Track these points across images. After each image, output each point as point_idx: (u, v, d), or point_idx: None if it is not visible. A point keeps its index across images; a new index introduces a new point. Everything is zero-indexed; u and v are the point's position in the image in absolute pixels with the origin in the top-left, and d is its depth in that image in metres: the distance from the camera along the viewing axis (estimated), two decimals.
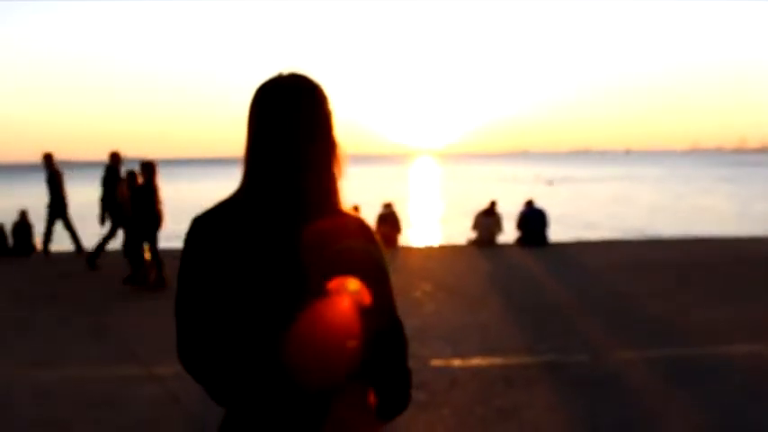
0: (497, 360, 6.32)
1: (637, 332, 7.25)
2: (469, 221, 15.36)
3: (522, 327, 7.59)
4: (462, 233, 15.83)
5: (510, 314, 8.19)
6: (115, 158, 12.02)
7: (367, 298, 1.77)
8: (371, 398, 1.99)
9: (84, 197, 18.08)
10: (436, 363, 6.25)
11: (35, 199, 15.87)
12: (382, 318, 1.82)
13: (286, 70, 1.83)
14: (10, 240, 14.61)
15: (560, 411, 5.10)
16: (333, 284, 1.75)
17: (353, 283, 1.76)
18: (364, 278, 1.77)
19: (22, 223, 14.76)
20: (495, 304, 8.73)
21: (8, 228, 14.77)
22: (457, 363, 6.26)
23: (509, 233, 15.14)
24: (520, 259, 12.73)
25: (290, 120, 1.78)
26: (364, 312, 1.74)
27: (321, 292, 1.72)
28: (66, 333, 7.52)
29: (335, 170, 1.83)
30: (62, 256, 13.95)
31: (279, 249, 1.75)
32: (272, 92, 1.81)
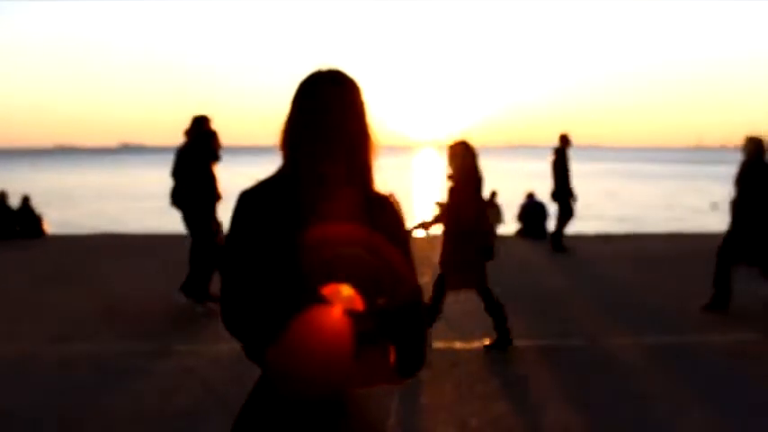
0: None
1: (632, 320, 7.54)
2: None
3: (521, 313, 7.85)
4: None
5: (510, 301, 8.38)
6: None
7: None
8: (391, 356, 2.25)
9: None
10: (439, 345, 6.53)
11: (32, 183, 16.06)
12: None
13: (324, 66, 2.09)
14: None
15: (556, 390, 5.41)
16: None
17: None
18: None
19: (24, 208, 14.96)
20: (495, 292, 8.99)
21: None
22: (458, 345, 6.56)
23: (509, 225, 15.42)
24: (520, 250, 13.02)
25: (328, 108, 2.04)
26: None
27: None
28: (81, 311, 7.82)
29: (370, 155, 2.09)
30: (67, 238, 14.24)
31: (312, 226, 1.92)
32: (313, 84, 2.05)
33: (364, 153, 2.07)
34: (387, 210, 2.12)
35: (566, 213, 12.47)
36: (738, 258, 7.78)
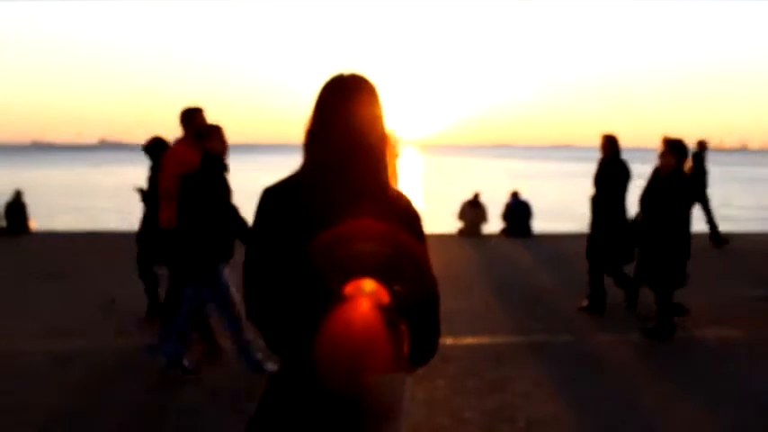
0: (487, 339, 6.75)
1: (618, 317, 7.71)
2: (450, 212, 15.68)
3: (509, 310, 8.02)
4: (444, 224, 16.14)
5: (497, 299, 8.62)
6: None
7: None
8: (405, 346, 2.33)
9: None
10: None
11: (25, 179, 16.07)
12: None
13: (346, 71, 2.19)
14: (2, 221, 14.79)
15: (546, 384, 5.54)
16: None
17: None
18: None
19: (16, 203, 14.94)
20: (482, 290, 9.14)
21: (0, 207, 15.00)
22: (449, 341, 6.66)
23: (494, 224, 15.55)
24: (505, 248, 13.17)
25: (349, 112, 2.14)
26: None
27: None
28: (74, 309, 7.84)
29: (386, 156, 2.19)
30: (57, 235, 14.19)
31: (334, 222, 1.98)
32: (335, 87, 2.16)
33: (382, 154, 2.17)
34: (404, 207, 2.21)
35: (709, 212, 13.31)
36: (601, 259, 7.82)
